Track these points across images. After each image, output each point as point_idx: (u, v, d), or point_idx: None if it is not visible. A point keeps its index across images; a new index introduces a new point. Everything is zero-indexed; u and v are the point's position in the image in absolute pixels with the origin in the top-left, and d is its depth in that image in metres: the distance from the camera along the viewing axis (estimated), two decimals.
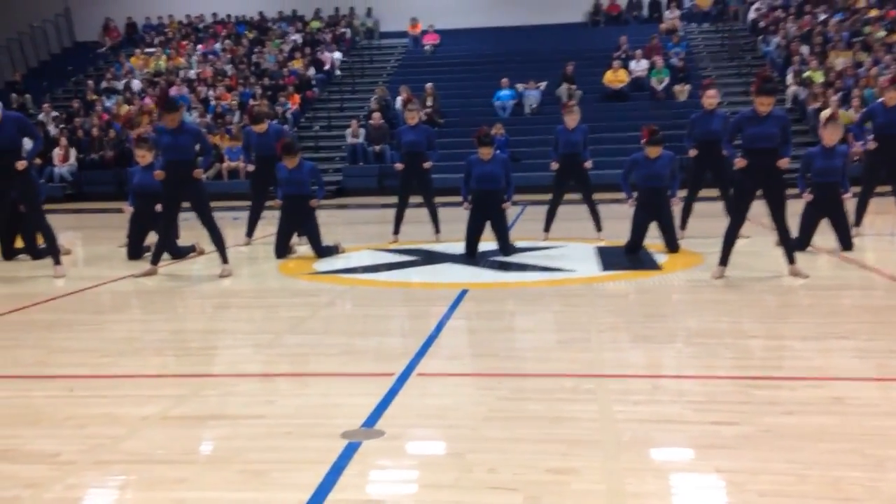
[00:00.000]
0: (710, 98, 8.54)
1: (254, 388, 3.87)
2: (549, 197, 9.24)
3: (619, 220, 9.00)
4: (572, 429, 3.16)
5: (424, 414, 3.43)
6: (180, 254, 8.18)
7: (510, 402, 3.53)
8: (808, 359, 4.12)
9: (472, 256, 7.72)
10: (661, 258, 7.50)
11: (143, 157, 8.36)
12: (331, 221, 9.14)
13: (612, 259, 7.55)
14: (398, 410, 3.43)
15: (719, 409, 3.35)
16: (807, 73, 18.00)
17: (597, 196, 9.06)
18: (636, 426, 3.17)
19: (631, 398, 3.53)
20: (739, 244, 6.61)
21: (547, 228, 9.09)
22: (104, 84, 21.63)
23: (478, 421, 3.29)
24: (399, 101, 18.98)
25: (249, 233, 9.33)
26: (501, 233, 7.83)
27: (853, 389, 3.59)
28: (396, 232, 9.28)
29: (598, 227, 8.96)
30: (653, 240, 7.91)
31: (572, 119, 8.86)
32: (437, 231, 9.26)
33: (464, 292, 6.08)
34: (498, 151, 9.07)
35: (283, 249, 8.14)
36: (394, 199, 9.62)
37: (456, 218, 8.88)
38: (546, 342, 4.76)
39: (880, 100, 8.69)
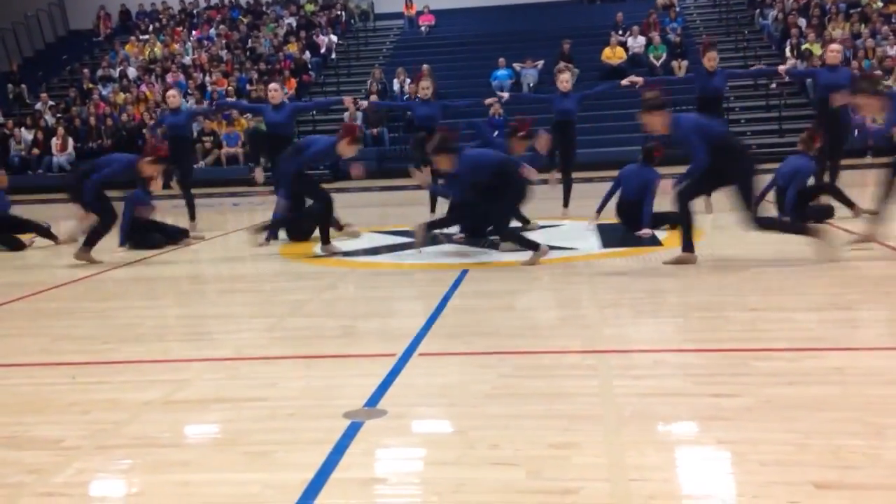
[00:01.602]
0: (710, 60, 8.59)
1: (256, 371, 3.88)
2: (550, 175, 9.25)
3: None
4: (573, 404, 3.17)
5: (426, 393, 3.45)
6: (174, 237, 8.19)
7: (512, 379, 3.54)
8: (809, 330, 4.12)
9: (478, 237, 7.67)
10: (662, 235, 7.50)
11: None
12: None
13: (611, 236, 7.54)
14: (400, 390, 3.45)
15: (720, 381, 3.37)
16: (805, 46, 17.90)
17: (596, 174, 9.08)
18: (637, 400, 3.18)
19: (632, 373, 3.54)
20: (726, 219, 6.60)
21: (566, 204, 9.15)
22: (100, 72, 21.56)
23: (479, 399, 3.30)
24: (396, 83, 18.94)
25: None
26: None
27: (853, 359, 3.60)
28: (433, 210, 9.25)
29: (566, 204, 9.06)
30: None
31: (564, 82, 8.87)
32: (433, 211, 9.24)
33: (464, 272, 6.09)
34: (497, 132, 9.08)
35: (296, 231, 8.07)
36: (393, 182, 9.61)
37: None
38: (547, 319, 4.77)
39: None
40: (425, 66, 18.70)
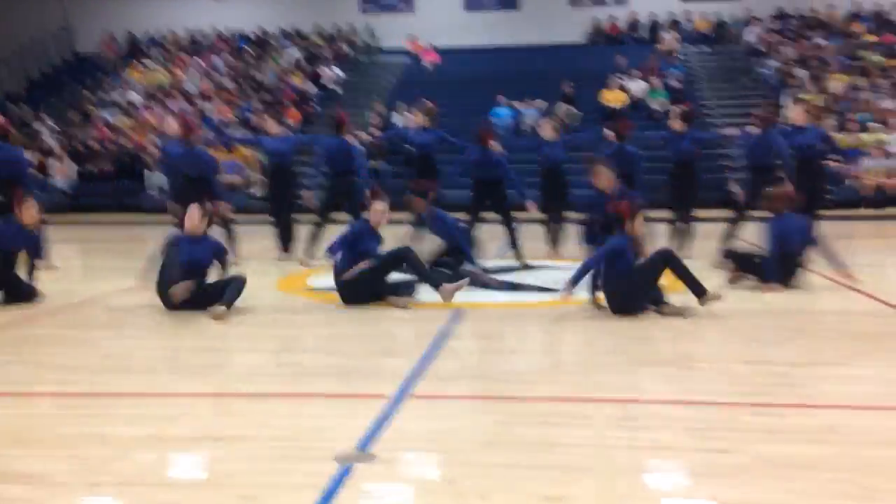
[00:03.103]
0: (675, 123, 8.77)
1: (247, 408, 3.85)
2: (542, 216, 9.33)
3: None
4: (567, 455, 3.15)
5: (418, 437, 3.42)
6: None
7: (505, 426, 3.52)
8: (802, 386, 4.11)
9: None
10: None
11: None
12: (327, 236, 9.16)
13: None
14: (391, 433, 3.42)
15: (714, 436, 3.34)
16: (803, 97, 18.08)
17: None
18: (631, 453, 3.15)
19: (627, 424, 3.52)
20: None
21: (554, 245, 9.21)
22: (104, 97, 21.67)
23: (471, 445, 3.27)
24: (395, 115, 19.09)
25: (286, 246, 9.27)
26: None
27: (847, 418, 3.58)
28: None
29: (554, 245, 9.21)
30: None
31: (546, 130, 8.97)
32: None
33: (460, 312, 6.07)
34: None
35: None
36: (392, 216, 9.61)
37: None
38: (542, 364, 4.74)
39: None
40: (426, 102, 18.94)
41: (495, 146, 8.69)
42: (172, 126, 10.23)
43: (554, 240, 9.30)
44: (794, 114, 8.66)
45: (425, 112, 9.59)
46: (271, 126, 9.34)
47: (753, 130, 8.58)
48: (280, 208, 9.29)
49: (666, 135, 9.15)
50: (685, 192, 8.73)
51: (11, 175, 8.11)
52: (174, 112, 17.75)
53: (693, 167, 8.93)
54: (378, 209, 6.61)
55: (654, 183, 9.38)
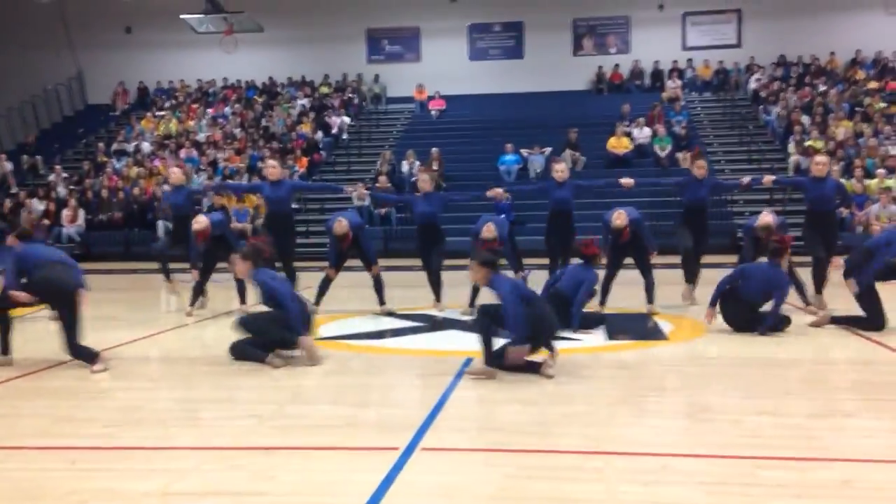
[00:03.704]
0: (700, 169, 8.78)
1: (255, 462, 3.83)
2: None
3: (623, 285, 8.99)
4: None
5: (428, 492, 3.39)
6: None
7: (516, 480, 3.49)
8: (817, 438, 4.07)
9: None
10: (668, 327, 7.49)
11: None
12: (335, 284, 9.18)
13: (617, 328, 7.52)
14: (402, 487, 3.39)
15: (728, 491, 3.31)
16: (808, 143, 18.21)
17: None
18: None
19: (639, 478, 3.49)
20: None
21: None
22: (115, 146, 21.94)
23: (483, 500, 3.25)
24: (405, 164, 19.23)
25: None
26: None
27: (863, 471, 3.54)
28: (438, 299, 9.14)
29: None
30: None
31: (558, 173, 8.91)
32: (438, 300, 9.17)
33: (469, 361, 6.05)
34: (503, 216, 9.20)
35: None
36: (399, 262, 9.66)
37: (462, 282, 8.88)
38: (552, 415, 4.71)
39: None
40: (434, 150, 19.11)
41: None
42: (177, 175, 10.19)
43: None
44: (815, 166, 8.59)
45: (427, 175, 9.56)
46: (271, 171, 9.21)
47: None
48: (281, 255, 9.22)
49: (683, 180, 9.15)
50: (696, 237, 8.73)
51: None
52: (178, 163, 17.88)
53: (705, 214, 8.95)
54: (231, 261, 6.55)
55: (662, 229, 9.37)
